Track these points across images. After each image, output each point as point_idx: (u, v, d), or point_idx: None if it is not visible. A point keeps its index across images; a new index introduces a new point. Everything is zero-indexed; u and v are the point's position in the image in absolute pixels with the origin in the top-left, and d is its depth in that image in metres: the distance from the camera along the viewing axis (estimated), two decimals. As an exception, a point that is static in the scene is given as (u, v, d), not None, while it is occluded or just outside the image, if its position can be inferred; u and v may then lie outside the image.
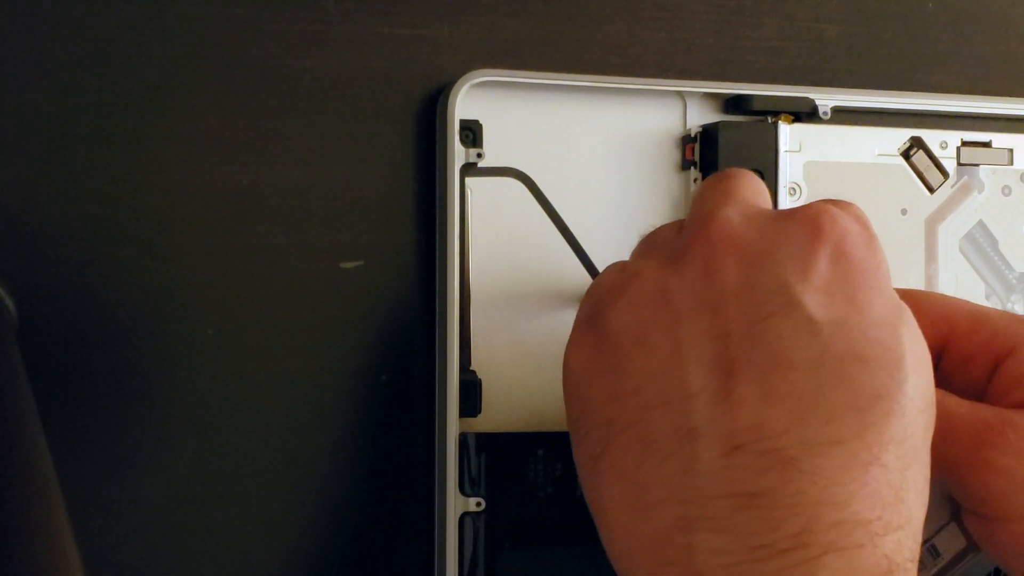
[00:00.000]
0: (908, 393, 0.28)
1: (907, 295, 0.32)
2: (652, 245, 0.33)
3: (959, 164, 0.44)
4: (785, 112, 0.41)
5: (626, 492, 0.29)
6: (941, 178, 0.43)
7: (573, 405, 0.32)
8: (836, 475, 0.26)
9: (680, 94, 0.41)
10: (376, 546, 0.39)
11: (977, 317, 0.35)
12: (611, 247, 0.40)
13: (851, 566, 0.26)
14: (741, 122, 0.40)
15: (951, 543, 0.35)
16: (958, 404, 0.33)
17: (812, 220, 0.30)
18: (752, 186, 0.33)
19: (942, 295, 0.38)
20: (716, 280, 0.29)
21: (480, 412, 0.38)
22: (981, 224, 0.44)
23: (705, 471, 0.27)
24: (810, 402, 0.27)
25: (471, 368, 0.38)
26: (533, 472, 0.38)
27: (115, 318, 0.37)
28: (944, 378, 0.35)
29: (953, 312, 0.35)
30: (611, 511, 0.29)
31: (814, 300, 0.28)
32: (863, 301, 0.29)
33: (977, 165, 0.44)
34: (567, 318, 0.39)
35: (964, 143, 0.44)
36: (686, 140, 0.41)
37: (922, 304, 0.35)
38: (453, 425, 0.37)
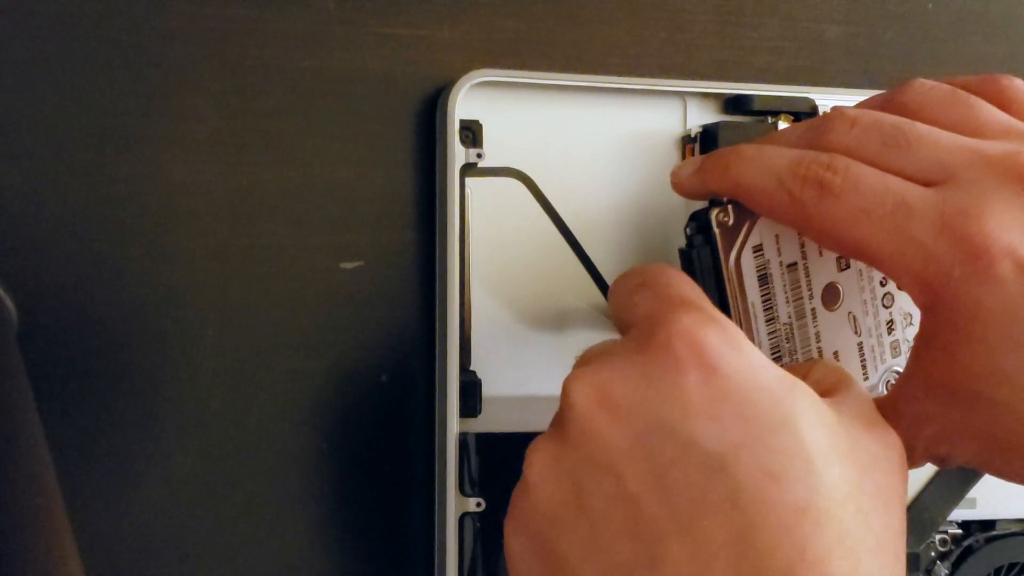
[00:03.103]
0: (828, 490, 0.27)
1: None
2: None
3: (959, 164, 0.43)
4: (785, 112, 0.41)
5: None
6: (941, 178, 0.43)
7: None
8: None
9: (680, 94, 0.41)
10: (376, 546, 0.39)
11: None
12: (611, 247, 0.40)
13: None
14: (741, 122, 0.40)
15: None
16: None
17: (666, 350, 0.28)
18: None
19: None
20: (602, 443, 0.28)
21: (480, 412, 0.38)
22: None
23: None
24: (742, 541, 0.26)
25: (471, 368, 0.38)
26: (533, 472, 0.38)
27: (115, 318, 0.37)
28: None
29: None
30: None
31: (705, 432, 0.27)
32: (751, 411, 0.27)
33: (977, 165, 0.44)
34: (567, 318, 0.39)
35: (964, 143, 0.44)
36: (686, 140, 0.40)
37: None
38: (453, 425, 0.37)
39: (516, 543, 0.30)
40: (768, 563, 0.26)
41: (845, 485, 0.27)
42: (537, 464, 0.30)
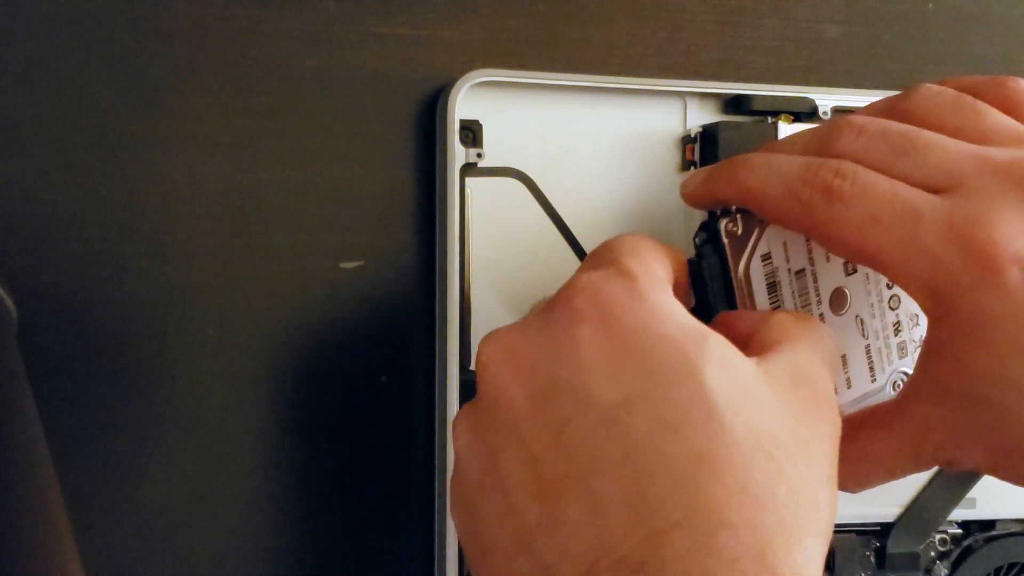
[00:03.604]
0: (731, 439, 0.26)
1: None
2: None
3: (959, 164, 0.43)
4: (785, 112, 0.41)
5: None
6: (941, 178, 0.43)
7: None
8: (687, 560, 0.25)
9: (680, 94, 0.41)
10: (376, 546, 0.39)
11: None
12: (611, 247, 0.40)
13: None
14: (741, 122, 0.40)
15: None
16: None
17: (566, 305, 0.28)
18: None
19: None
20: (505, 405, 0.28)
21: (480, 412, 0.38)
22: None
23: None
24: (635, 495, 0.26)
25: (471, 368, 0.38)
26: (533, 472, 0.38)
27: (115, 318, 0.37)
28: None
29: None
30: None
31: (602, 386, 0.27)
32: (652, 363, 0.27)
33: (977, 165, 0.44)
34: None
35: (964, 143, 0.44)
36: (686, 140, 0.41)
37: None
38: (453, 425, 0.37)
39: (458, 520, 0.30)
40: (660, 515, 0.26)
41: (754, 434, 0.27)
42: (460, 435, 0.30)
